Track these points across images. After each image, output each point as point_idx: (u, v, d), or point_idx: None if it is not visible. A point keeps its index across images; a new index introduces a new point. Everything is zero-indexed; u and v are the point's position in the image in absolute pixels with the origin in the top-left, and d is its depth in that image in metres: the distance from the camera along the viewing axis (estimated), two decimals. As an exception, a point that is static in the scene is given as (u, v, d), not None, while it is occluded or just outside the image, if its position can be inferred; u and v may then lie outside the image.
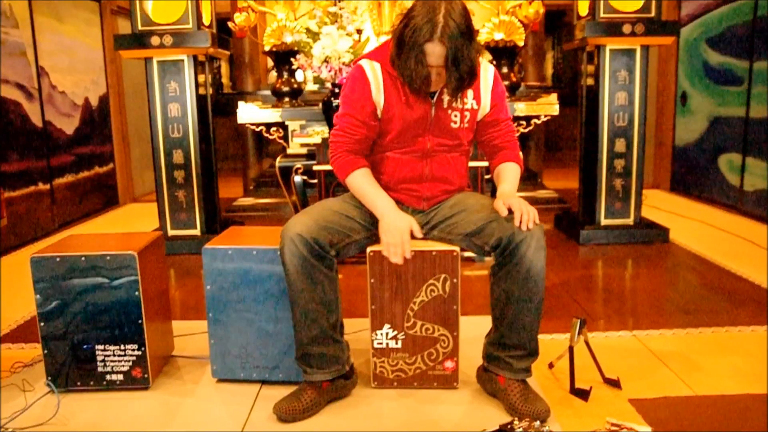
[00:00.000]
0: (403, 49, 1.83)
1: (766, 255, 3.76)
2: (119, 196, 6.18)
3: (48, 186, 4.89)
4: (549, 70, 8.97)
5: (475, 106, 2.04)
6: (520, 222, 1.84)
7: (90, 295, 2.11)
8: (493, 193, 2.23)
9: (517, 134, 2.40)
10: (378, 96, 1.97)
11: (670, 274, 3.58)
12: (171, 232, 4.22)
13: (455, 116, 2.01)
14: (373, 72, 1.98)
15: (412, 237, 1.94)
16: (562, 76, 9.02)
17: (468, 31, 1.80)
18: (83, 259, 2.08)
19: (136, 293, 2.11)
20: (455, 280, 2.05)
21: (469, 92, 2.01)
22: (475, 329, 2.36)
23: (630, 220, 4.22)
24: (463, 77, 1.85)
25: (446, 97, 1.98)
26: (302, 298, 1.93)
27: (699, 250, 3.91)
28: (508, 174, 2.06)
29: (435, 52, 1.80)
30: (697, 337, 2.56)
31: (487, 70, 2.06)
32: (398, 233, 1.90)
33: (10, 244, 4.31)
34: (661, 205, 5.23)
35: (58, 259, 2.08)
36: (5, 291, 3.43)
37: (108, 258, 2.09)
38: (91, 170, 5.66)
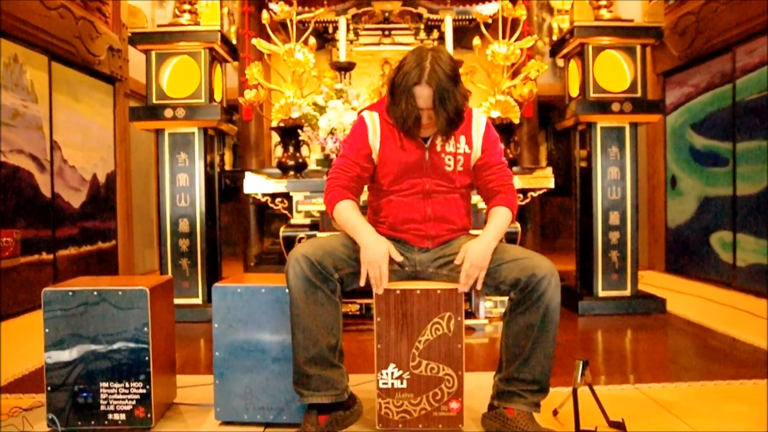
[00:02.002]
0: (395, 93, 2.02)
1: (763, 322, 3.79)
2: (119, 272, 6.21)
3: (51, 256, 4.94)
4: (543, 161, 9.28)
5: (467, 151, 2.16)
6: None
7: (100, 330, 2.13)
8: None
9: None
10: (374, 140, 2.14)
11: (669, 338, 3.60)
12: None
13: (449, 160, 2.14)
14: (372, 120, 2.16)
15: (392, 261, 2.05)
16: (554, 166, 9.33)
17: (453, 76, 1.98)
18: (95, 293, 2.13)
19: (145, 330, 2.14)
20: (459, 318, 2.10)
21: (462, 138, 2.15)
22: (477, 382, 2.37)
23: (627, 292, 4.28)
24: (452, 118, 2.00)
25: (439, 142, 2.13)
26: (303, 318, 1.98)
27: (696, 319, 3.95)
28: (493, 219, 2.15)
29: (423, 94, 1.97)
30: (699, 389, 2.57)
31: (479, 117, 2.21)
32: (377, 265, 2.00)
33: (10, 311, 4.31)
34: (656, 283, 5.29)
35: (70, 293, 2.12)
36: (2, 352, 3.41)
37: (120, 293, 2.13)
38: (94, 245, 5.72)
